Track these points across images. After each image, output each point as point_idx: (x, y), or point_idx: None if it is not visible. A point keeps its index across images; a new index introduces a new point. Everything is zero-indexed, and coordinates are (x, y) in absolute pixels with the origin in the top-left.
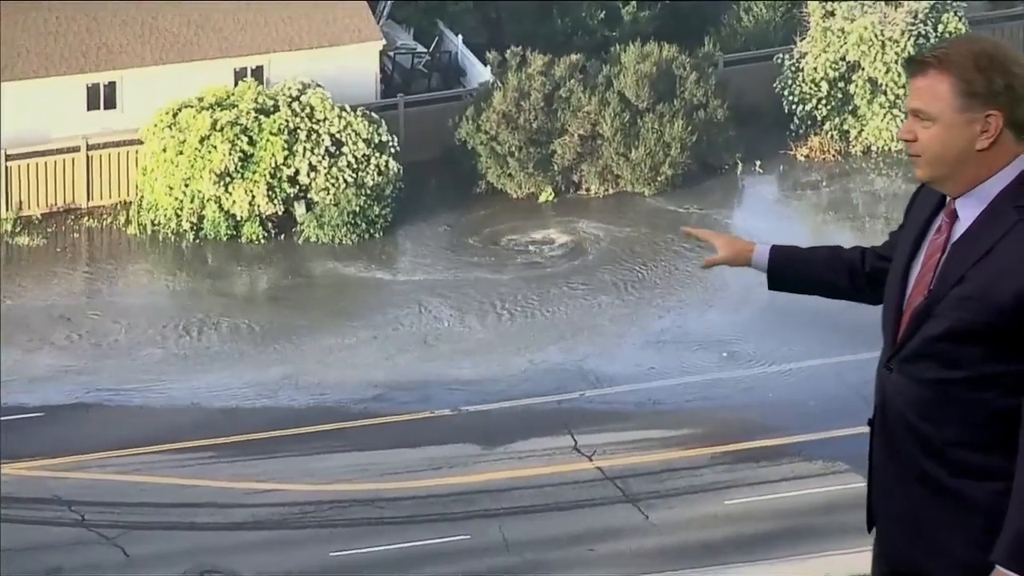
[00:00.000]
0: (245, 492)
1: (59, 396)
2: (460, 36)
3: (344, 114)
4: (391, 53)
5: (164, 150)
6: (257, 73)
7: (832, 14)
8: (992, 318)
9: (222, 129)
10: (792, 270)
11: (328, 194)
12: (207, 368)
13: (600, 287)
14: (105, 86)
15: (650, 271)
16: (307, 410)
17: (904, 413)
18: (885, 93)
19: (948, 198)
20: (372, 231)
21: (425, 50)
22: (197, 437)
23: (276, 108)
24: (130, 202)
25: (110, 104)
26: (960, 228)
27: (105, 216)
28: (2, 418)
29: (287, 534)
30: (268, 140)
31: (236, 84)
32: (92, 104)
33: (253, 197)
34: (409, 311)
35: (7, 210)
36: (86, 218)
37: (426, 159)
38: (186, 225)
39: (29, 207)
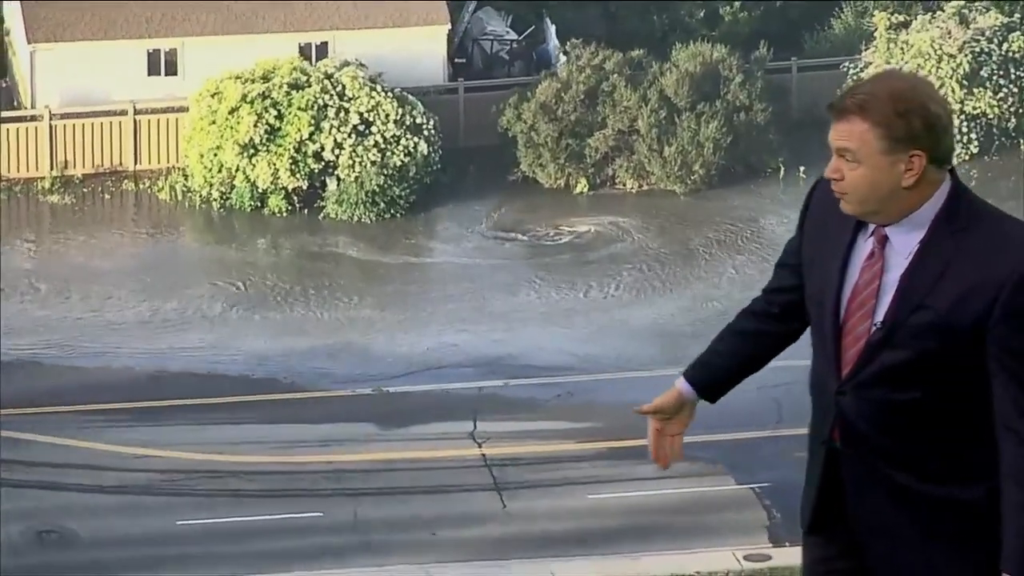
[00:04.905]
0: (125, 456)
1: None
2: (554, 27)
3: (374, 94)
4: (476, 38)
5: (201, 118)
6: (322, 49)
7: (905, 25)
8: (952, 344)
9: (252, 101)
10: (715, 379)
11: (353, 172)
12: (166, 333)
13: (593, 277)
14: (166, 52)
15: (651, 267)
16: (238, 379)
17: (866, 432)
18: None
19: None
20: (393, 211)
21: (516, 37)
22: (116, 400)
23: (309, 84)
24: (176, 167)
25: (171, 71)
26: (896, 255)
27: (145, 180)
28: None
29: (145, 500)
30: (295, 115)
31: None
32: (153, 70)
33: (276, 170)
34: (401, 290)
35: (51, 169)
36: (126, 181)
37: (481, 145)
38: (215, 194)
39: (74, 167)
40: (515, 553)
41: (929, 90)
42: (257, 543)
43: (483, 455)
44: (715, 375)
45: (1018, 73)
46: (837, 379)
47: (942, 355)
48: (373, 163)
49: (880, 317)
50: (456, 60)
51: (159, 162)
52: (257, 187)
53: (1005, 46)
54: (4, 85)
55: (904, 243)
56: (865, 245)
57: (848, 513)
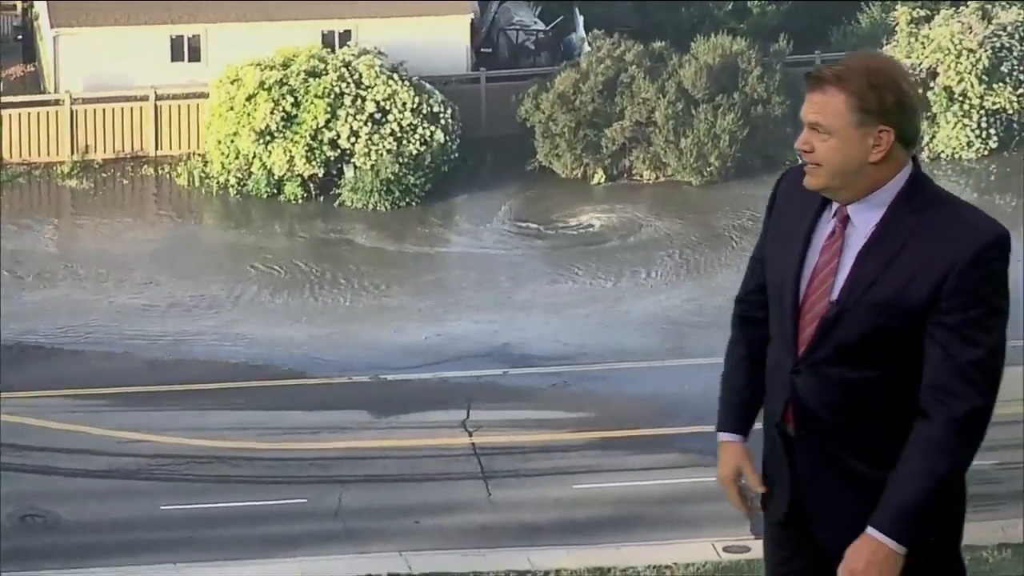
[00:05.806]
0: (117, 441)
1: None
2: (582, 18)
3: (391, 82)
4: (502, 27)
5: (220, 104)
6: (345, 37)
7: (927, 20)
8: (905, 321)
9: (269, 88)
10: (748, 417)
11: (368, 160)
12: (173, 318)
13: (599, 267)
14: (190, 38)
15: (665, 258)
16: (239, 365)
17: (820, 413)
18: (961, 103)
19: (835, 204)
20: (408, 199)
21: (542, 27)
22: (115, 385)
23: (326, 71)
24: (196, 153)
25: (194, 57)
26: (856, 234)
27: (165, 165)
28: None
29: (130, 484)
30: (312, 102)
31: (323, 46)
32: (176, 56)
33: (292, 157)
34: (413, 278)
35: (72, 153)
36: (145, 166)
37: (503, 135)
38: (232, 180)
39: (94, 152)
40: (497, 542)
41: (903, 71)
42: (238, 529)
43: (472, 444)
44: (747, 414)
45: None
46: (793, 358)
47: (895, 333)
48: (389, 151)
49: (836, 295)
50: (482, 49)
51: (179, 148)
52: (273, 174)
53: None
54: (32, 69)
55: (864, 222)
56: (827, 226)
57: (802, 501)
